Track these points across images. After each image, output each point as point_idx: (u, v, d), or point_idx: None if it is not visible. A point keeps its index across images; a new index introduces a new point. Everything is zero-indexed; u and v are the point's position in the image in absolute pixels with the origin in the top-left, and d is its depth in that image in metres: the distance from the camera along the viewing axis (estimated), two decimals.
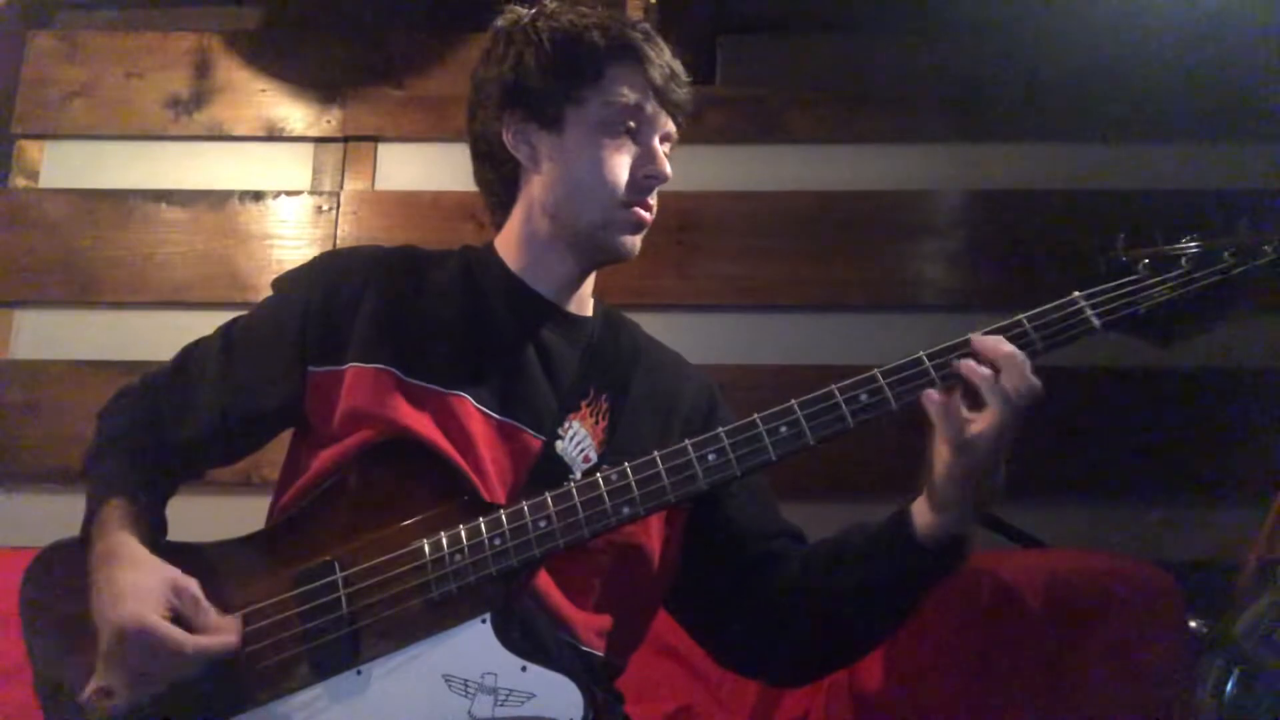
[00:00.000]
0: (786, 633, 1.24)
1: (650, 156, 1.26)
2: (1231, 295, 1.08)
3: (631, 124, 1.25)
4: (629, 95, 1.24)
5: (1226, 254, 1.08)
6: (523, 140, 1.28)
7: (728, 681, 1.71)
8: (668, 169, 1.27)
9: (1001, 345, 1.05)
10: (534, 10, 1.30)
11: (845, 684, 1.67)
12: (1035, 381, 1.04)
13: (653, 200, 1.29)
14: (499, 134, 1.29)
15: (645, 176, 1.26)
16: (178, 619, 1.07)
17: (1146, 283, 1.09)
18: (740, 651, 1.33)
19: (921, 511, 1.11)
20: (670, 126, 1.30)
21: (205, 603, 1.10)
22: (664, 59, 1.27)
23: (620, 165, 1.25)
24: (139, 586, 1.07)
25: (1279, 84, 2.24)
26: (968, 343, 1.08)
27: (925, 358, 1.08)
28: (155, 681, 1.06)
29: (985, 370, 1.04)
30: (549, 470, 1.20)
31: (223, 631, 1.08)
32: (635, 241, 1.29)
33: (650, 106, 1.26)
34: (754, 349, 2.26)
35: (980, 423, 1.04)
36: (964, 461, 1.05)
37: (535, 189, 1.30)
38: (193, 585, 1.10)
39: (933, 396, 1.06)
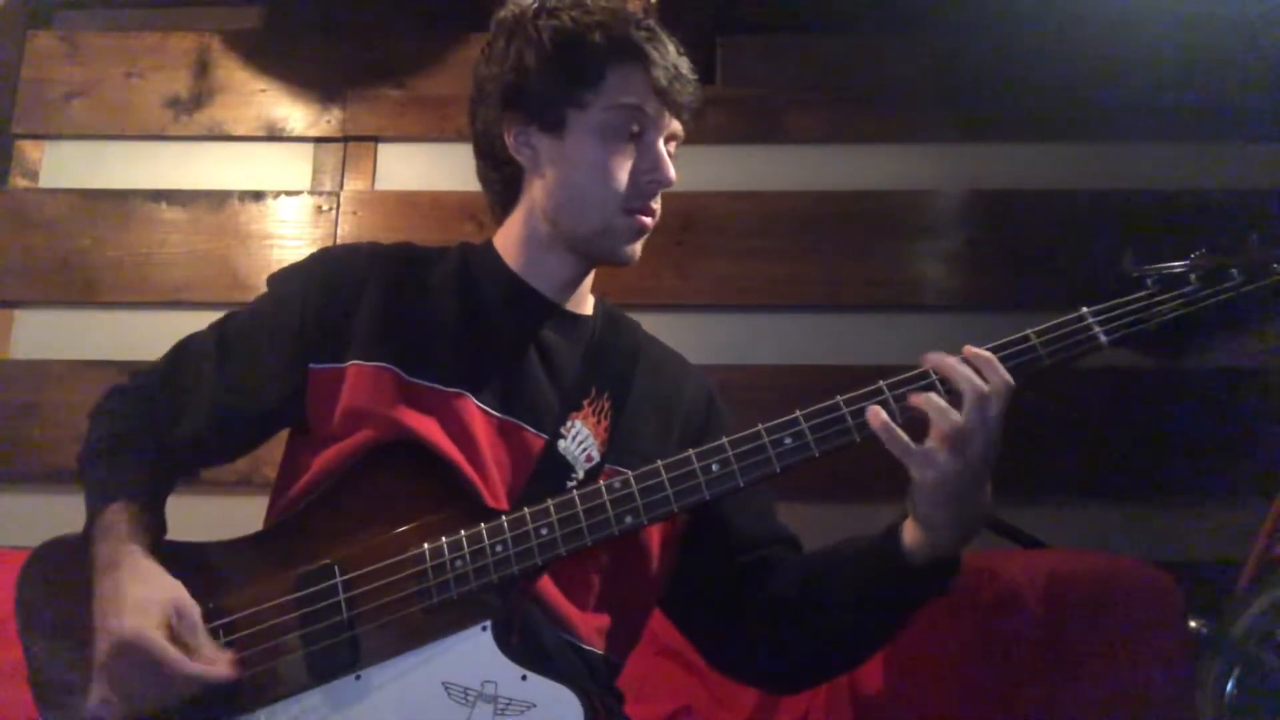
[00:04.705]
0: (777, 640, 1.23)
1: (654, 160, 1.22)
2: (1240, 312, 1.06)
3: (635, 127, 1.21)
4: (632, 98, 1.20)
5: (1235, 271, 1.05)
6: (524, 143, 1.26)
7: (728, 681, 1.70)
8: (671, 173, 1.23)
9: (959, 372, 1.02)
10: (537, 3, 1.25)
11: (845, 684, 1.67)
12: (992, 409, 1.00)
13: (656, 204, 1.26)
14: (501, 135, 1.27)
15: (649, 181, 1.23)
16: (174, 640, 1.05)
17: (1154, 299, 1.07)
18: (731, 656, 1.31)
19: (911, 530, 1.08)
20: (675, 126, 1.25)
21: (203, 629, 1.07)
22: (668, 59, 1.22)
23: (622, 171, 1.21)
24: (141, 600, 1.05)
25: (1277, 84, 2.24)
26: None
27: (931, 371, 1.05)
28: (146, 699, 1.04)
29: (942, 404, 1.01)
30: (551, 469, 1.19)
31: (217, 663, 1.06)
32: (636, 249, 1.26)
33: (654, 108, 1.22)
34: (754, 349, 2.26)
35: (944, 456, 1.00)
36: (942, 491, 1.02)
37: (536, 192, 1.27)
38: (195, 611, 1.08)
39: (891, 430, 1.02)
